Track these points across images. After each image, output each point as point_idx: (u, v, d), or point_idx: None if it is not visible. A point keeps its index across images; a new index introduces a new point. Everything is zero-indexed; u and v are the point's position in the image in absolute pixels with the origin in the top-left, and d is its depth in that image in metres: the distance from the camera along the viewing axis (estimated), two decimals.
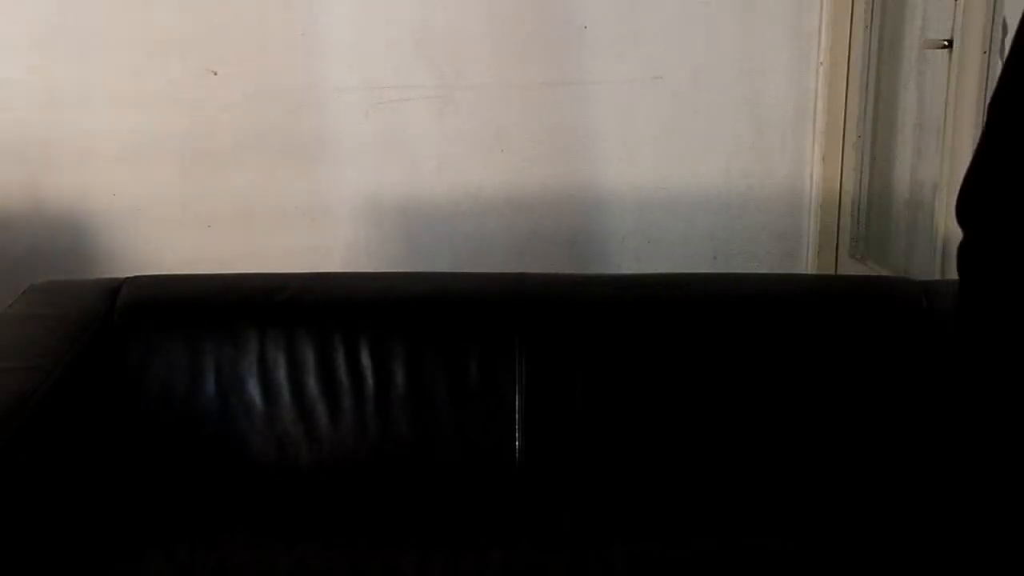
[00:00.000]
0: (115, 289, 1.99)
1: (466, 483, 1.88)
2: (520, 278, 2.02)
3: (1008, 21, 2.14)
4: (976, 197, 1.07)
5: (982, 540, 1.17)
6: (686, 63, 2.22)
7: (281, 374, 1.91)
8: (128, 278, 2.03)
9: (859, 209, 2.99)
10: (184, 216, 2.36)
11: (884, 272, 2.87)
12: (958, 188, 1.11)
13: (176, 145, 2.32)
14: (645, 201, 2.39)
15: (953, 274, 1.19)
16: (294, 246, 2.38)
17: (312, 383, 1.91)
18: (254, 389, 1.91)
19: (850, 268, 3.00)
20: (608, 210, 2.40)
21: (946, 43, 2.49)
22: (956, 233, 1.17)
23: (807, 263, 2.76)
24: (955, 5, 2.45)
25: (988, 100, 1.06)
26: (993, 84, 1.09)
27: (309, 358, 1.91)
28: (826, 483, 1.80)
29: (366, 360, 1.91)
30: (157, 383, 1.90)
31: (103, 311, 1.94)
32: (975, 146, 1.06)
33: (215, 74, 2.28)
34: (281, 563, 1.67)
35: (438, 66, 2.30)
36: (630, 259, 2.42)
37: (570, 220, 2.39)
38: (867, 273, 2.91)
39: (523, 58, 2.30)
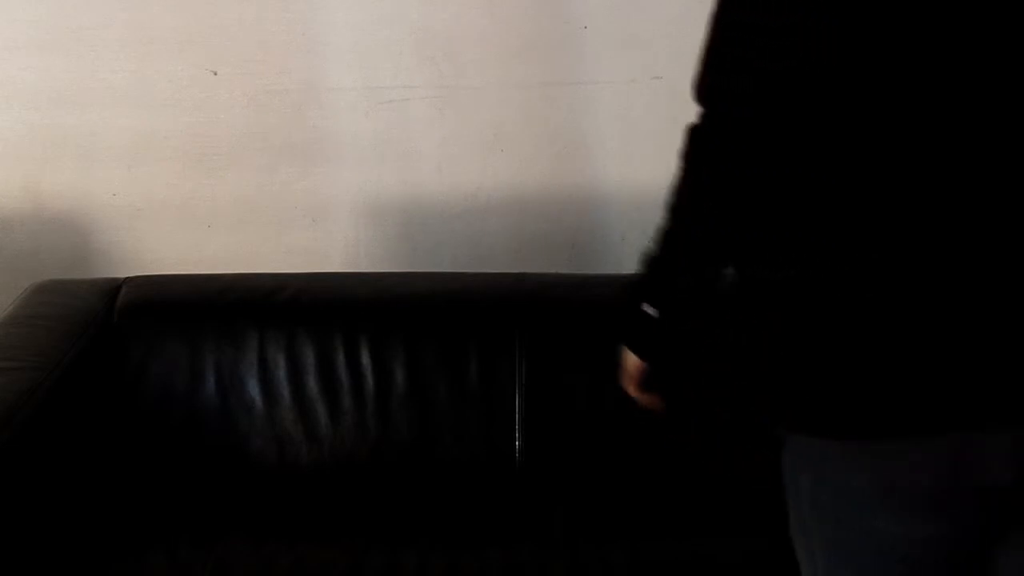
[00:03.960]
0: (115, 289, 1.99)
1: (466, 483, 1.88)
2: (520, 278, 2.02)
3: None
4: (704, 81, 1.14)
5: None
6: (686, 63, 2.20)
7: (281, 374, 1.91)
8: (128, 278, 2.03)
9: None
10: (184, 216, 2.36)
11: None
12: None
13: (176, 145, 2.31)
14: (645, 201, 2.38)
15: None
16: (294, 246, 2.38)
17: (312, 383, 1.91)
18: (254, 389, 1.91)
19: None
20: (608, 210, 2.39)
21: None
22: None
23: None
24: None
25: None
26: None
27: (309, 358, 1.91)
28: None
29: (366, 360, 1.91)
30: (157, 383, 1.91)
31: (103, 311, 1.94)
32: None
33: (215, 74, 2.28)
34: (281, 562, 1.68)
35: (438, 66, 2.29)
36: (630, 259, 2.41)
37: (570, 220, 2.39)
38: None
39: (523, 58, 2.30)
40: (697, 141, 1.15)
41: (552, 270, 2.18)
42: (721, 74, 1.08)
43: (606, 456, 1.89)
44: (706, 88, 1.11)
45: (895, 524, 1.08)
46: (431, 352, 1.91)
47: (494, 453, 1.89)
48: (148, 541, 1.72)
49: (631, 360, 1.27)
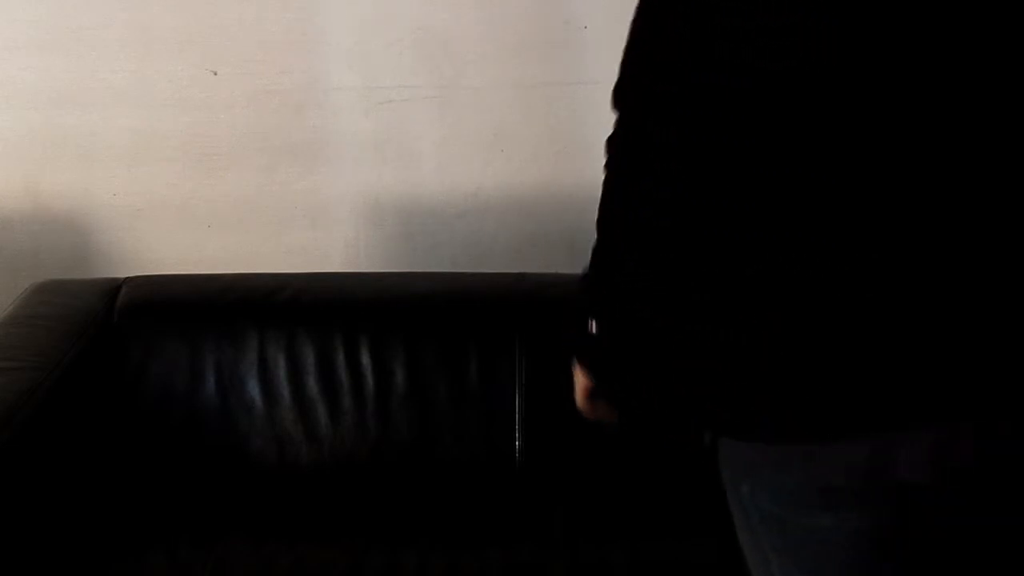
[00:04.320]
0: (115, 289, 1.99)
1: (466, 483, 1.88)
2: (520, 278, 2.02)
3: None
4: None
5: None
6: None
7: (281, 374, 1.91)
8: (128, 278, 2.03)
9: None
10: (184, 216, 2.36)
11: None
12: None
13: (176, 145, 2.31)
14: None
15: None
16: (294, 246, 2.38)
17: (312, 383, 1.91)
18: (254, 389, 1.91)
19: None
20: None
21: None
22: None
23: None
24: None
25: None
26: None
27: (309, 358, 1.91)
28: None
29: (366, 360, 1.91)
30: (157, 383, 1.91)
31: (103, 311, 1.94)
32: None
33: (215, 74, 2.28)
34: (281, 562, 1.68)
35: (438, 66, 2.30)
36: None
37: (570, 220, 2.39)
38: None
39: (523, 58, 2.30)
40: (654, 149, 1.10)
41: (552, 270, 2.17)
42: (698, 75, 1.06)
43: (606, 456, 1.89)
44: (660, 93, 1.09)
45: (826, 519, 1.10)
46: (431, 352, 1.91)
47: (494, 453, 1.89)
48: (148, 541, 1.72)
49: (580, 377, 1.22)
